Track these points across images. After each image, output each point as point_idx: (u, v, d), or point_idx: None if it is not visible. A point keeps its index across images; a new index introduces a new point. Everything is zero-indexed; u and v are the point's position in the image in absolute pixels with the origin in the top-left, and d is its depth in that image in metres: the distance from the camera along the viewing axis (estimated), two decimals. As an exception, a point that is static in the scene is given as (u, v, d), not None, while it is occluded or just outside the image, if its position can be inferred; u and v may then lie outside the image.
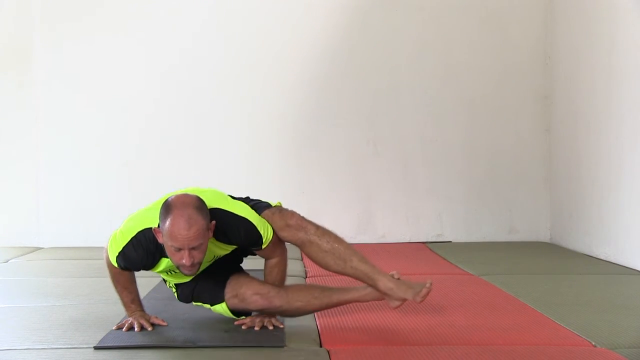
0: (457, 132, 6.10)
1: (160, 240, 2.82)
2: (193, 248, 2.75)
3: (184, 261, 2.75)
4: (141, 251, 2.87)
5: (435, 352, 2.72)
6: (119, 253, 2.90)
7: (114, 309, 3.37)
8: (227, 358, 2.70)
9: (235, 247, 3.01)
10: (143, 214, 2.96)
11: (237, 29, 6.01)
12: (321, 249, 3.00)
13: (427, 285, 2.91)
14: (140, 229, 2.88)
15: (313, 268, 4.67)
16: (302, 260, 5.02)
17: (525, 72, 6.10)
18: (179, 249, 2.75)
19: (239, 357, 2.71)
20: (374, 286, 3.00)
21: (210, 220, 2.82)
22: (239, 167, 6.01)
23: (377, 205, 6.08)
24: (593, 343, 2.89)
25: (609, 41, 5.00)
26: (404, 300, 2.94)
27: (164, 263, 2.94)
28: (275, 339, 2.87)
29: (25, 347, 2.80)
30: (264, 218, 3.00)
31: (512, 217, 6.13)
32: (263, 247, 2.98)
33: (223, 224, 2.88)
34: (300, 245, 3.02)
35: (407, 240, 6.08)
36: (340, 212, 6.05)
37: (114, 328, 2.99)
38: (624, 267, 4.72)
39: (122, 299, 3.07)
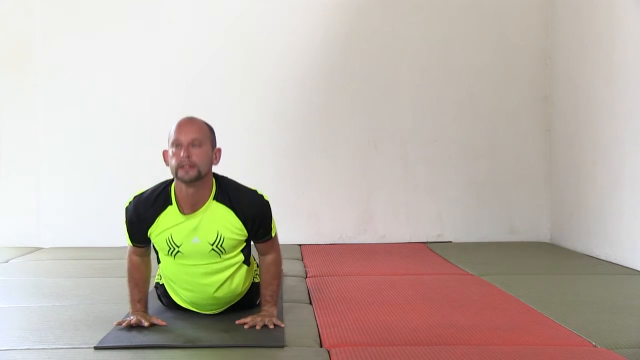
0: (457, 132, 6.10)
1: (166, 161, 3.02)
2: (193, 145, 2.94)
3: (182, 155, 2.92)
4: (148, 196, 3.06)
5: (435, 352, 2.72)
6: (130, 203, 3.07)
7: (114, 309, 3.37)
8: (227, 358, 2.70)
9: (241, 239, 3.10)
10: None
11: (237, 29, 6.01)
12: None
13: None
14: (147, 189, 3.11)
15: (313, 268, 4.67)
16: (302, 260, 5.03)
17: (525, 72, 6.10)
18: (179, 145, 2.93)
19: (239, 357, 2.71)
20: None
21: (220, 199, 3.02)
22: (239, 167, 5.98)
23: (377, 205, 6.08)
24: (593, 343, 2.89)
25: (609, 41, 5.00)
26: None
27: (166, 219, 3.03)
28: (275, 339, 2.87)
29: (25, 347, 2.79)
30: None
31: (512, 217, 6.13)
32: (272, 235, 3.14)
33: (238, 192, 3.08)
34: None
35: (407, 240, 6.07)
36: (341, 212, 6.05)
37: (114, 324, 3.01)
38: (624, 267, 4.72)
39: (131, 295, 3.12)
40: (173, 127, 3.00)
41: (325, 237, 6.04)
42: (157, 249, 3.15)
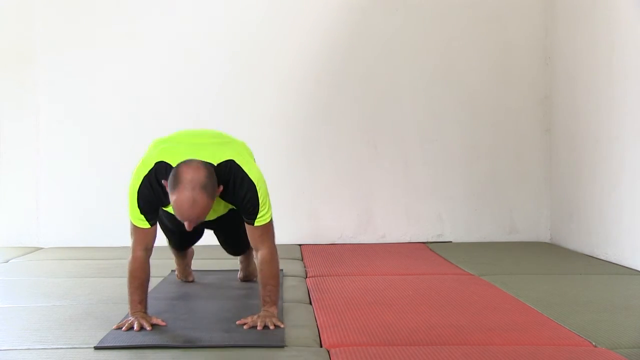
0: (457, 132, 6.10)
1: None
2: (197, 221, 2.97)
3: (185, 225, 2.94)
4: (155, 186, 3.06)
5: (435, 352, 2.72)
6: (139, 188, 3.08)
7: (114, 309, 3.37)
8: (227, 358, 2.70)
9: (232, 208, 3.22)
10: (154, 153, 3.21)
11: (238, 30, 6.01)
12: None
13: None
14: (155, 162, 3.10)
15: (313, 268, 4.67)
16: (302, 260, 5.03)
17: (525, 72, 6.10)
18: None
19: (239, 357, 2.71)
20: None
21: (219, 184, 3.00)
22: (239, 167, 5.99)
23: (377, 205, 6.08)
24: (593, 343, 2.89)
25: (609, 41, 5.00)
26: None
27: None
28: (275, 339, 2.87)
29: (25, 347, 2.79)
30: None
31: (512, 217, 6.13)
32: (254, 224, 3.14)
33: (234, 182, 3.07)
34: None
35: (407, 240, 6.07)
36: (341, 212, 6.05)
37: (113, 327, 2.99)
38: (624, 267, 4.72)
39: (131, 296, 3.10)
40: (173, 201, 2.87)
41: (325, 237, 6.04)
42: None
